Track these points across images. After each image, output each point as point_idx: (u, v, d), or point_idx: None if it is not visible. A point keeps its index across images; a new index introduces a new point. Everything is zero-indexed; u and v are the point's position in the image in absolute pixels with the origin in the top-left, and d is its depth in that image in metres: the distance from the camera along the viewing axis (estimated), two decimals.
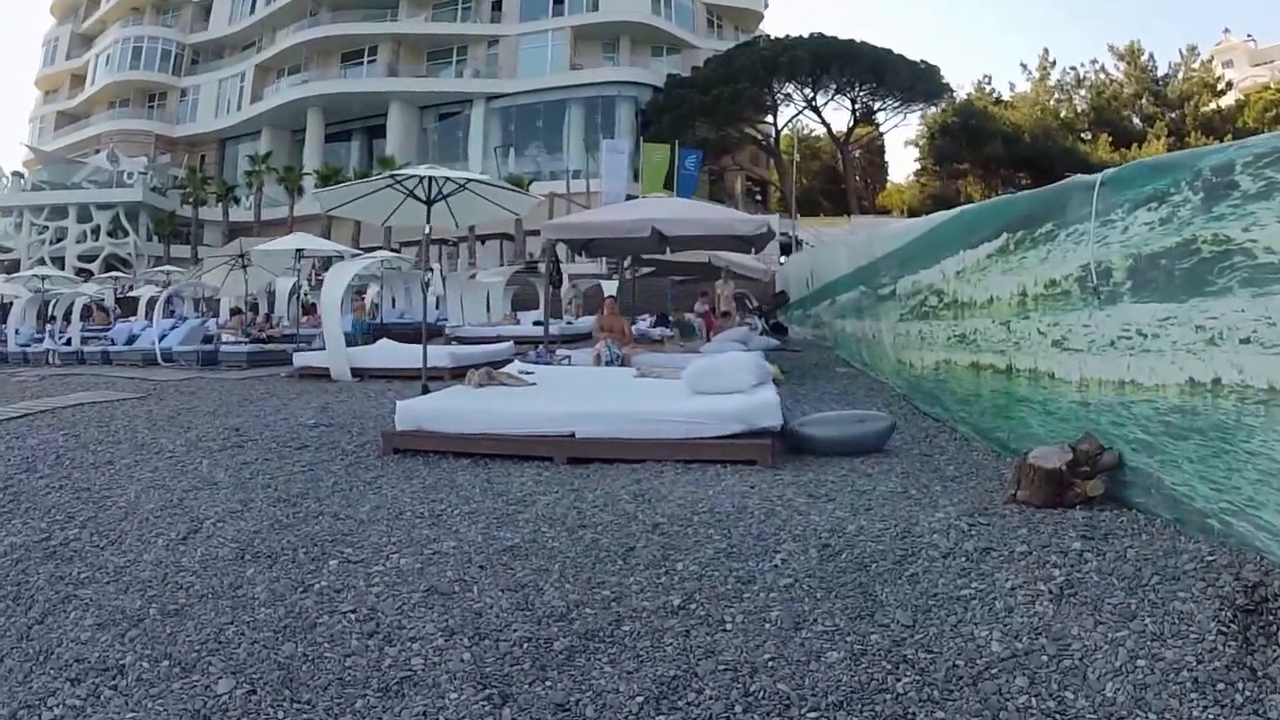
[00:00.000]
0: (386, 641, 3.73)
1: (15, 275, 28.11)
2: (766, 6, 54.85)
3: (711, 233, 14.45)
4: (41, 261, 42.14)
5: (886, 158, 56.86)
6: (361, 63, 50.90)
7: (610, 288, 29.27)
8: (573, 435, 6.77)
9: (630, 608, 3.90)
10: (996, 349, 6.57)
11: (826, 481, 5.91)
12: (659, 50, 49.09)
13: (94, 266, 44.69)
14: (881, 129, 51.86)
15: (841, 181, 51.14)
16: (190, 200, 47.29)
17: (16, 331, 22.50)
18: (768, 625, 3.65)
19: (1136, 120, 50.33)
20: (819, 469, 6.33)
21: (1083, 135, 50.03)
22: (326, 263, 21.44)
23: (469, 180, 11.03)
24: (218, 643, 3.81)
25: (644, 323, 21.15)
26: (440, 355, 14.03)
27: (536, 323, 23.69)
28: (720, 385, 7.40)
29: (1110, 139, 47.51)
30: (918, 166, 56.02)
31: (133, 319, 26.75)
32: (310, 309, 26.29)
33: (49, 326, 21.70)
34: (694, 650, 3.47)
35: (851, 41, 44.70)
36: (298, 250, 17.04)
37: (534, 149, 46.91)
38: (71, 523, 5.60)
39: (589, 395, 7.92)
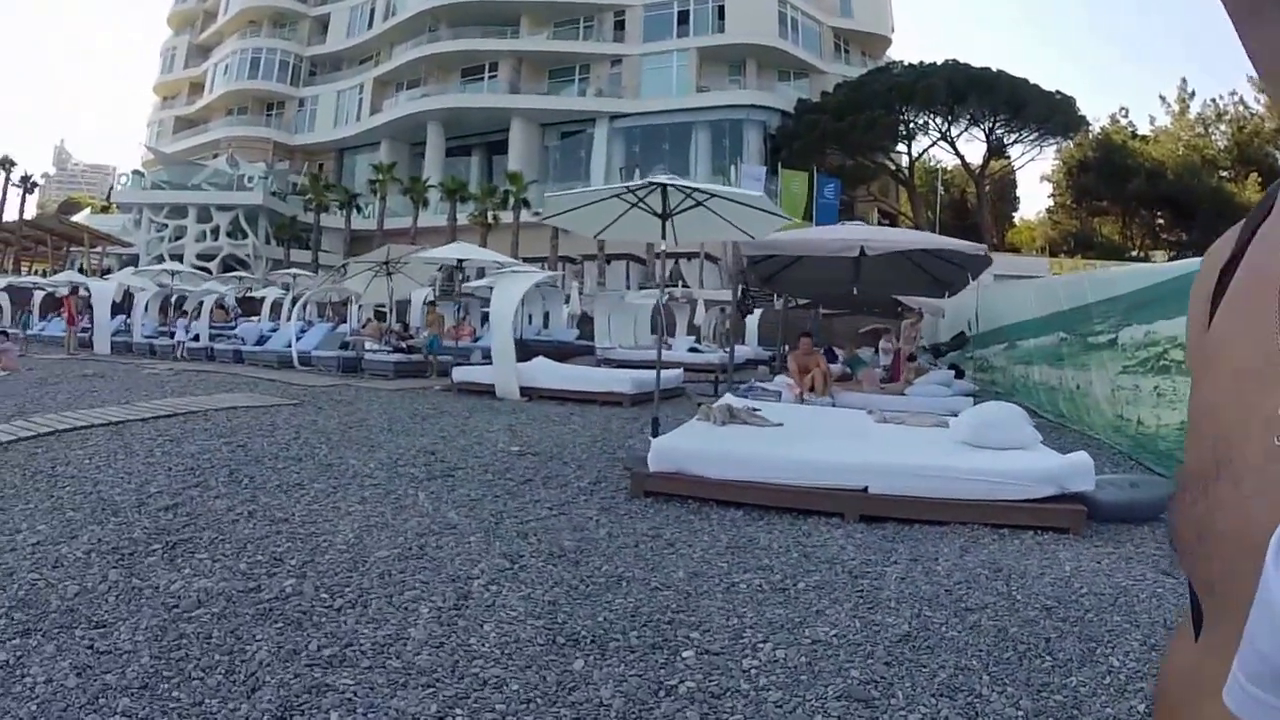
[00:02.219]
0: None
1: (144, 269, 27.64)
2: (893, 31, 53.01)
3: (919, 248, 12.94)
4: (160, 258, 42.24)
5: (1017, 193, 54.17)
6: (482, 78, 50.30)
7: (753, 316, 27.93)
8: (865, 490, 6.11)
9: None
10: None
11: (1156, 555, 5.34)
12: (785, 74, 47.64)
13: (212, 266, 44.89)
14: (1015, 162, 49.48)
15: (969, 216, 48.89)
16: (312, 206, 46.93)
17: (142, 324, 21.86)
18: None
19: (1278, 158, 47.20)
20: (1128, 538, 5.76)
21: (1224, 173, 47.08)
22: (450, 274, 20.32)
23: (711, 196, 9.49)
24: None
25: None
26: (622, 380, 13.58)
27: (692, 349, 22.49)
28: (1001, 439, 6.85)
29: (1259, 179, 44.58)
30: (1050, 203, 53.48)
31: (254, 319, 26.23)
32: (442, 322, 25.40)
33: (180, 321, 20.91)
34: None
35: (988, 69, 42.67)
36: (459, 260, 15.96)
37: (658, 171, 45.38)
38: (281, 567, 4.66)
39: (857, 444, 7.20)
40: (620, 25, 48.32)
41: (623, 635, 3.73)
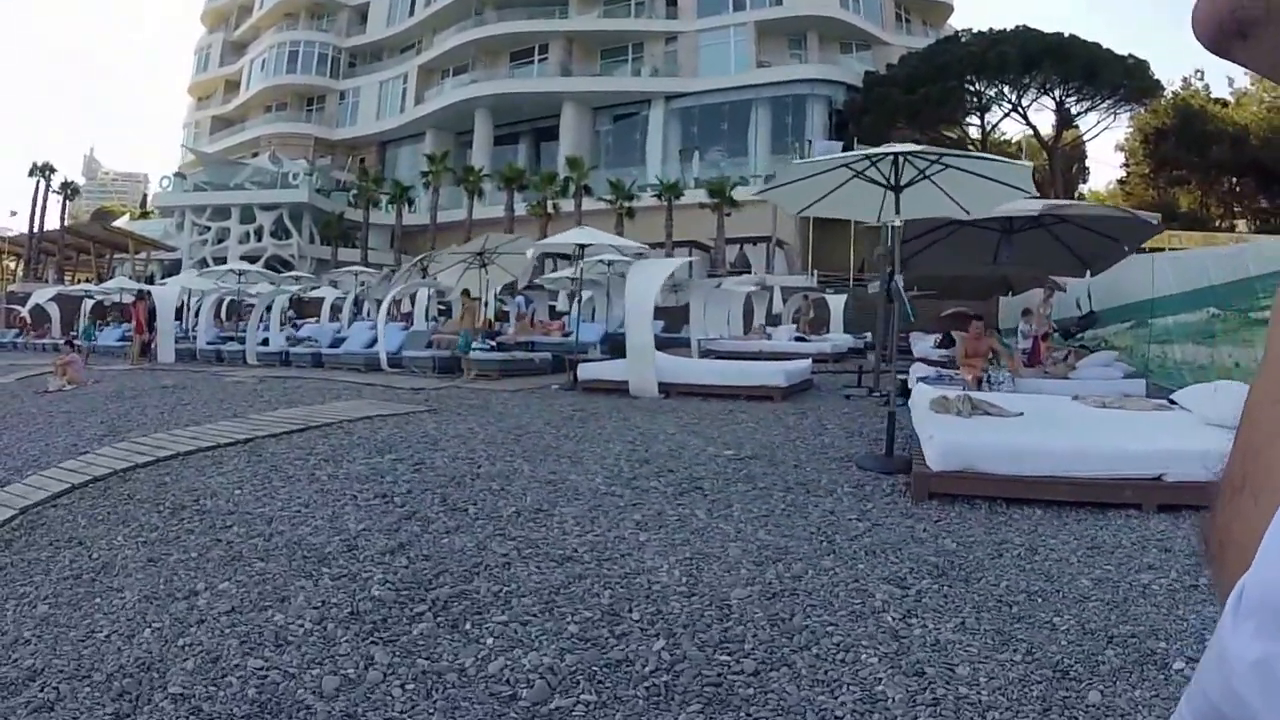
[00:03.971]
0: None
1: (208, 271, 26.27)
2: None
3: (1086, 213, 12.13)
4: (204, 262, 40.99)
5: (1086, 163, 51.51)
6: (531, 62, 48.67)
7: (836, 301, 26.30)
8: (1159, 478, 5.68)
9: None
10: None
11: None
12: (848, 46, 45.69)
13: (257, 267, 43.20)
14: (1087, 131, 47.17)
15: (1042, 191, 46.73)
16: (361, 202, 45.57)
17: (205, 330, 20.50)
18: None
19: None
20: None
21: None
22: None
23: (945, 167, 7.91)
24: None
25: (924, 342, 19.05)
26: (773, 374, 12.29)
27: (798, 338, 21.04)
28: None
29: None
30: (1122, 173, 50.94)
31: (311, 320, 24.86)
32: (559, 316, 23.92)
33: (260, 324, 19.45)
34: None
35: (1060, 35, 40.52)
36: (580, 246, 14.42)
37: (716, 153, 43.78)
38: (626, 623, 3.61)
39: (1133, 430, 6.64)
40: (673, 1, 46.38)
41: None
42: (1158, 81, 43.29)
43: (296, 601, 3.73)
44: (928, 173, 7.93)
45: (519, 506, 5.21)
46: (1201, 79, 49.99)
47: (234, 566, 4.20)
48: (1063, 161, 47.46)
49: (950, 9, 50.41)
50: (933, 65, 40.11)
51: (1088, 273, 13.90)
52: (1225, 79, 48.61)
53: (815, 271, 34.86)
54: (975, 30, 42.77)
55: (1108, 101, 43.38)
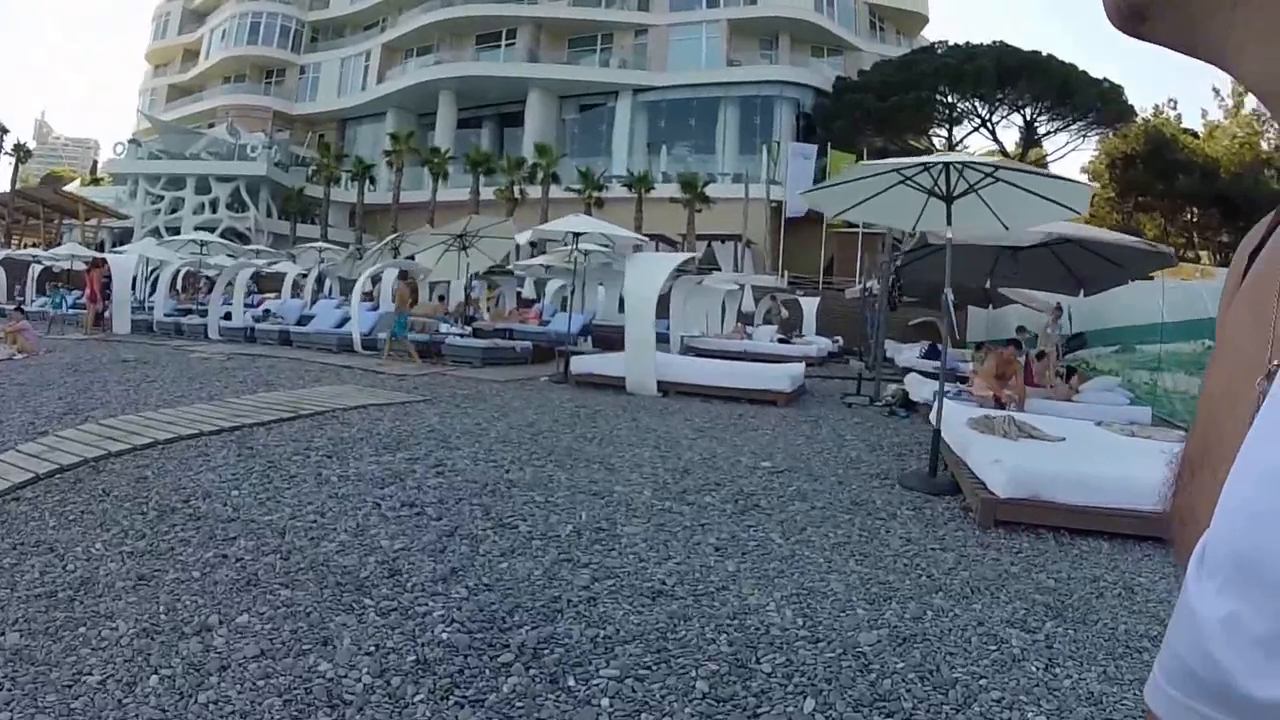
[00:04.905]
0: None
1: (170, 239, 25.03)
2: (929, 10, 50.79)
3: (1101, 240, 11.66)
4: (156, 231, 39.43)
5: None
6: (498, 46, 47.39)
7: (809, 303, 25.91)
8: None
9: None
10: None
11: None
12: (819, 51, 45.06)
13: (218, 239, 41.65)
14: (1054, 152, 47.33)
15: None
16: (321, 178, 44.14)
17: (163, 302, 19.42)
18: None
19: None
20: None
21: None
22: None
23: (998, 167, 7.52)
24: None
25: (909, 351, 18.49)
26: (777, 377, 11.91)
27: (783, 339, 20.62)
28: None
29: None
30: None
31: (271, 295, 23.90)
32: (526, 303, 23.23)
33: (241, 297, 18.49)
34: None
35: (1037, 54, 40.47)
36: (575, 234, 13.82)
37: (683, 148, 43.11)
38: (762, 680, 3.05)
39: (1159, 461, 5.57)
40: None
41: None
42: (1130, 107, 43.49)
43: (343, 645, 3.03)
44: (979, 185, 7.45)
45: (575, 524, 4.60)
46: (1174, 108, 50.40)
47: (250, 593, 3.47)
48: None
49: (925, 20, 50.19)
50: (908, 74, 39.77)
51: (1081, 292, 13.55)
52: (1199, 110, 48.98)
53: (785, 273, 34.42)
54: (951, 43, 42.61)
55: (1079, 123, 43.49)
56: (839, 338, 24.60)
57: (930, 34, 49.79)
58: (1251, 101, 47.40)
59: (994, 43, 41.14)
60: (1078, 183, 7.58)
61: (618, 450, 6.83)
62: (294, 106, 53.50)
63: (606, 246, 16.89)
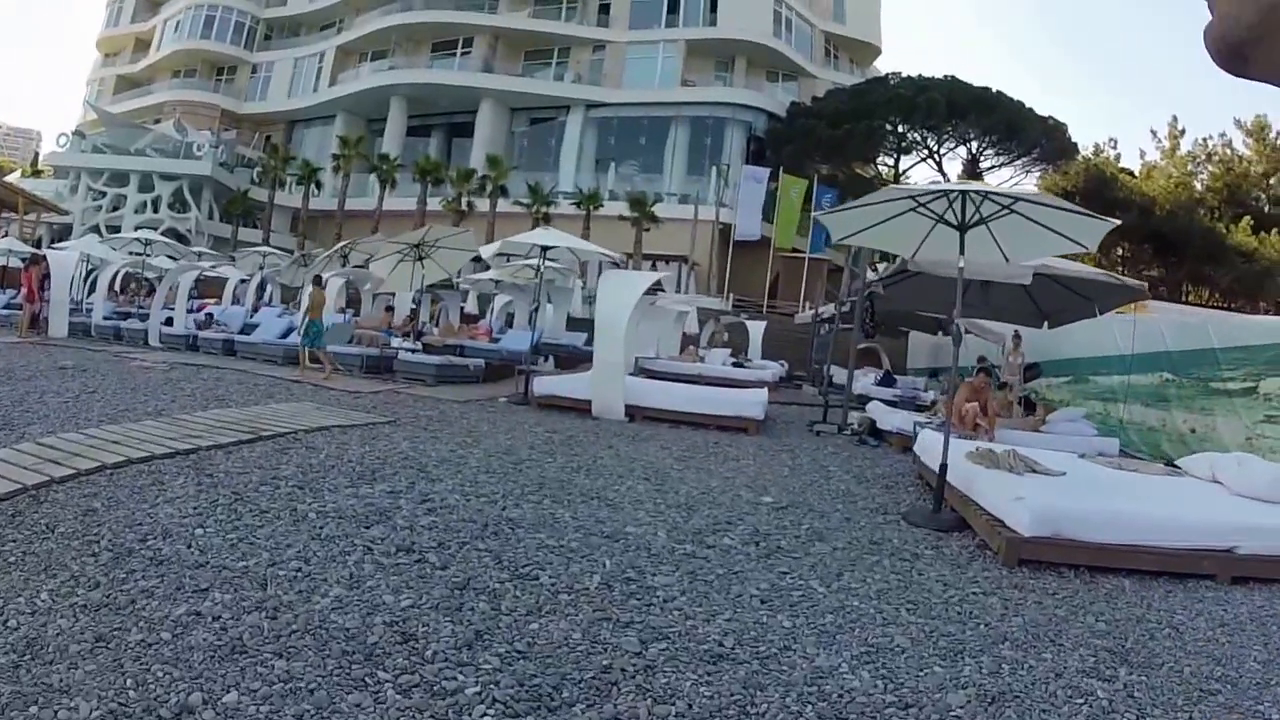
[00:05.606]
0: None
1: (113, 237, 23.98)
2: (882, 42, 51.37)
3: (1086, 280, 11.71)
4: (96, 229, 38.02)
5: None
6: (453, 54, 46.74)
7: (756, 328, 25.77)
8: (1230, 551, 5.62)
9: None
10: None
11: None
12: (774, 75, 45.22)
13: (162, 238, 40.16)
14: (998, 184, 47.92)
15: None
16: (267, 181, 43.13)
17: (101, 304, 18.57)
18: None
19: (1265, 202, 46.55)
20: None
21: (1214, 212, 46.30)
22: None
23: (1017, 199, 7.40)
24: None
25: (865, 379, 18.56)
26: (750, 404, 11.75)
27: (736, 363, 20.44)
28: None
29: (1252, 221, 43.76)
30: None
31: (212, 301, 23.08)
32: (469, 319, 22.75)
33: (188, 303, 17.73)
34: None
35: (988, 90, 41.28)
36: (543, 248, 13.47)
37: (631, 166, 42.85)
38: None
39: (1195, 500, 6.55)
40: (606, 9, 45.20)
41: None
42: (1074, 144, 44.61)
43: None
44: (990, 216, 7.29)
45: (600, 573, 4.26)
46: (1115, 147, 51.45)
47: (237, 663, 2.98)
48: None
49: (878, 51, 50.71)
50: (860, 103, 40.11)
51: (1045, 325, 13.57)
52: (1137, 151, 50.10)
53: (730, 295, 34.29)
54: (904, 74, 43.06)
55: (1024, 159, 44.34)
56: (784, 362, 24.53)
57: (883, 65, 50.45)
58: (1187, 143, 48.86)
59: (946, 77, 41.82)
60: (1098, 218, 7.31)
61: (610, 483, 6.52)
62: (243, 105, 52.38)
63: (555, 262, 16.50)
